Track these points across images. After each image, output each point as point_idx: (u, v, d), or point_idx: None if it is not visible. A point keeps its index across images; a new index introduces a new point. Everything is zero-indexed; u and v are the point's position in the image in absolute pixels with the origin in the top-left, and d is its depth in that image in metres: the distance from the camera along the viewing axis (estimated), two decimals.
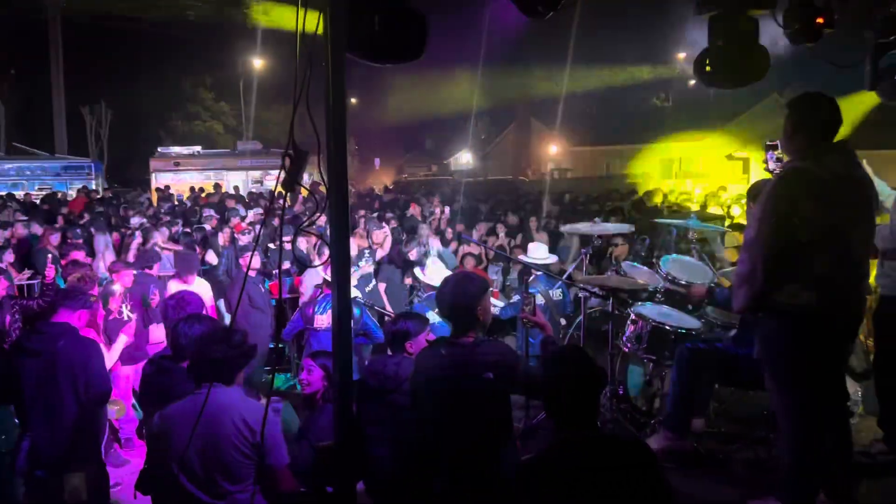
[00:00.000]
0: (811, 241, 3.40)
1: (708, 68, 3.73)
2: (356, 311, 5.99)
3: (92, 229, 10.31)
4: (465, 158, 42.81)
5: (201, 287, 6.82)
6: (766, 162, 3.92)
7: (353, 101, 43.53)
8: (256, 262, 6.71)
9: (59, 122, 29.39)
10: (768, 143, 3.89)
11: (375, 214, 13.36)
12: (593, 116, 32.60)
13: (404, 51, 2.78)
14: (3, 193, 19.07)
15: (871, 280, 4.37)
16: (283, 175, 2.54)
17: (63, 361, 4.08)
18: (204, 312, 4.41)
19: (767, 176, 4.14)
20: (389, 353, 3.99)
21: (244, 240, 8.37)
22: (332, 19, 2.32)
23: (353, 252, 8.70)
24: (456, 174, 37.44)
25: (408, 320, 4.00)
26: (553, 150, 37.92)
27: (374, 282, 8.23)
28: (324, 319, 6.10)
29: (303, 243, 9.16)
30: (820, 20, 3.75)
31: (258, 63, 31.16)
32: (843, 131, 3.50)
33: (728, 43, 3.59)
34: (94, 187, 23.19)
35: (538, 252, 7.06)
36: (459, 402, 3.13)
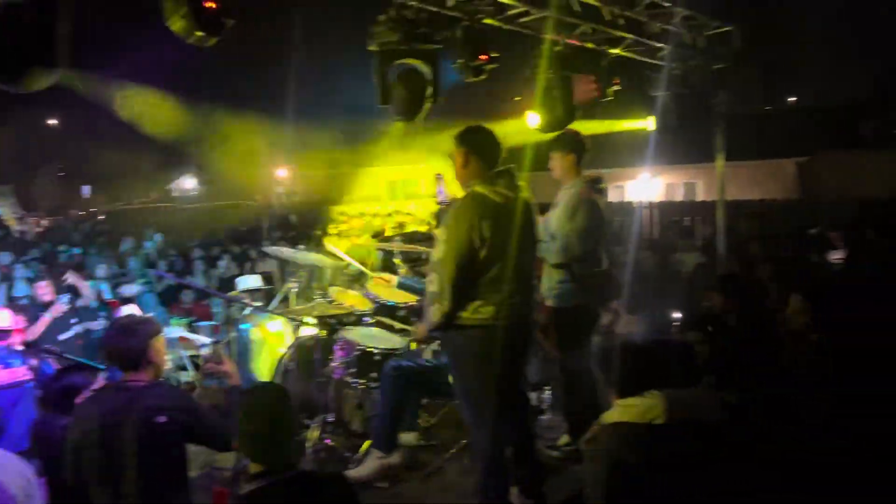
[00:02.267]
0: (490, 259, 3.70)
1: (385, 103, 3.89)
2: (18, 360, 5.30)
3: None
4: (189, 183, 40.49)
5: None
6: (437, 194, 4.14)
7: (53, 122, 39.01)
8: None
9: None
10: (437, 175, 4.12)
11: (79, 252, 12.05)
12: (321, 140, 32.70)
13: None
14: None
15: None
16: None
17: None
18: None
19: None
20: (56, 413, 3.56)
21: None
22: None
23: (48, 297, 7.73)
24: (179, 200, 35.29)
25: (73, 373, 3.62)
26: (281, 174, 37.46)
27: (72, 330, 7.37)
28: None
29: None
30: (484, 57, 4.09)
31: None
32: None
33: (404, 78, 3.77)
34: None
35: (248, 283, 6.82)
36: (126, 447, 2.95)
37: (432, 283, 3.77)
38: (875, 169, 16.11)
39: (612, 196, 21.97)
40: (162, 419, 2.99)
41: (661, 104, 6.12)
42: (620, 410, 3.55)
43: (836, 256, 8.28)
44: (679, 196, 21.01)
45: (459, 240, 3.67)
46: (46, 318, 7.05)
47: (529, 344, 4.12)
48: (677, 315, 6.50)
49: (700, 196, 19.96)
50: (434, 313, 3.76)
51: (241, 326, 6.16)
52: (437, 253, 3.77)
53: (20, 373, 5.19)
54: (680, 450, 3.36)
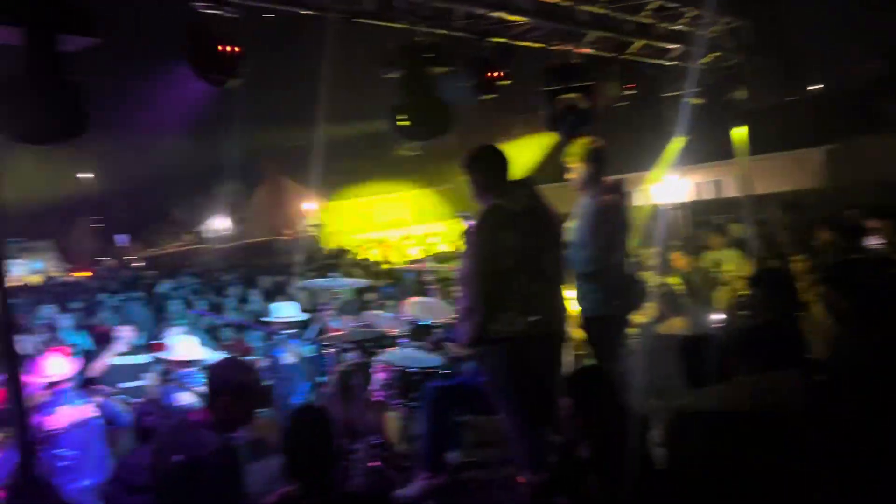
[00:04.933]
0: (516, 268, 3.75)
1: (401, 124, 3.99)
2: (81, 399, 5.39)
3: None
4: (219, 224, 41.04)
5: None
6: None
7: (91, 175, 39.91)
8: None
9: None
10: (460, 214, 4.27)
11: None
12: (347, 169, 32.78)
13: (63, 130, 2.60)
14: None
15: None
16: None
17: None
18: None
19: None
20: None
21: None
22: None
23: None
24: (212, 241, 35.83)
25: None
26: (310, 207, 37.72)
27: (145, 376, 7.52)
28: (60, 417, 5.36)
29: None
30: (494, 74, 4.17)
31: None
32: (526, 168, 3.95)
33: (414, 100, 3.87)
34: None
35: (284, 311, 6.93)
36: None
37: (464, 299, 3.82)
38: None
39: (638, 200, 21.69)
40: None
41: (678, 105, 6.11)
42: (697, 399, 3.29)
43: (873, 242, 8.11)
44: (708, 194, 20.70)
45: (483, 251, 3.73)
46: (105, 357, 7.14)
47: (561, 353, 4.13)
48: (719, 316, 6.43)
49: (728, 193, 19.69)
50: (467, 329, 3.80)
51: (275, 352, 6.28)
52: (463, 268, 3.83)
53: (86, 411, 5.21)
54: (763, 439, 3.18)
